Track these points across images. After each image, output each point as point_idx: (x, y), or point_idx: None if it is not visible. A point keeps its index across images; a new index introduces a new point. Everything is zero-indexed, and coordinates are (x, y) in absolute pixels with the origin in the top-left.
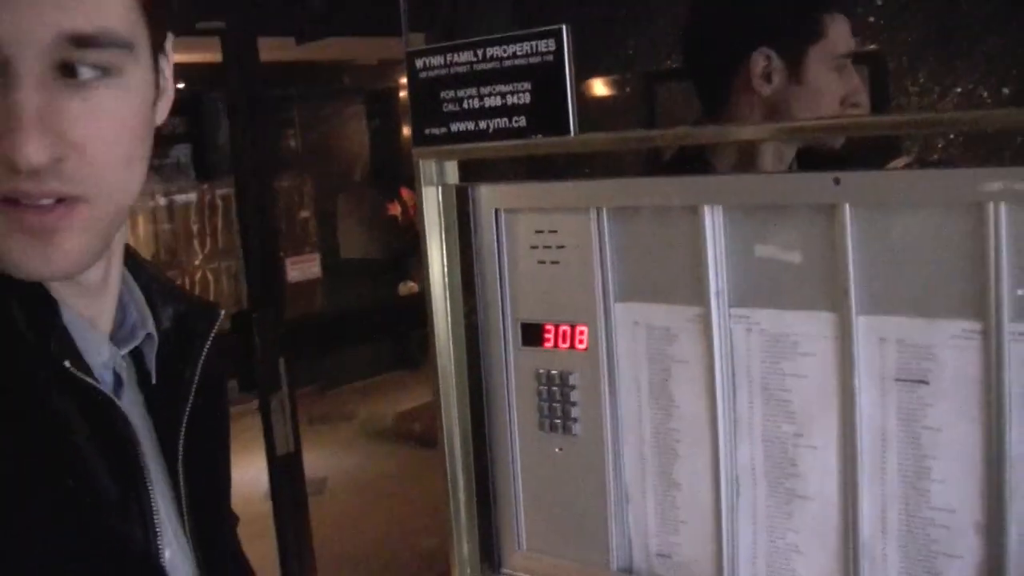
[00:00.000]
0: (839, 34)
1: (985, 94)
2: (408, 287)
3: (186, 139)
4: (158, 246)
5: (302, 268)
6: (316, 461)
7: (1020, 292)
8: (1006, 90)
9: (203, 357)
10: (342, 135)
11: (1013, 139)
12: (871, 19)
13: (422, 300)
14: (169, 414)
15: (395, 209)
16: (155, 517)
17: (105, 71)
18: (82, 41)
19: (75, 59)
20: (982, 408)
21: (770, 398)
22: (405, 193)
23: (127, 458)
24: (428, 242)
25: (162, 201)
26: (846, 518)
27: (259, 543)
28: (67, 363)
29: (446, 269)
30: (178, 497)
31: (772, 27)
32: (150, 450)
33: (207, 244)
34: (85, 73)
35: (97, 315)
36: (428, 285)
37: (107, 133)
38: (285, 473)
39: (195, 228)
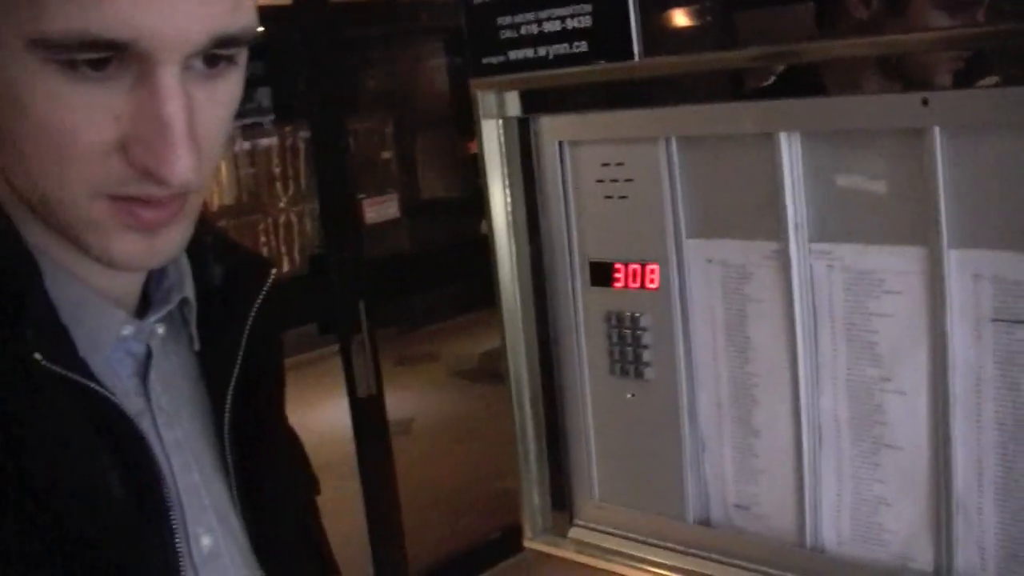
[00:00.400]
0: None
1: None
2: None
3: (265, 82)
4: (240, 191)
5: (379, 209)
6: (401, 402)
7: None
8: None
9: (251, 317)
10: (421, 74)
11: None
12: None
13: None
14: (217, 379)
15: (475, 147)
16: (171, 512)
17: (230, 60)
18: (227, 41)
19: (211, 55)
20: None
21: (854, 340)
22: None
23: (133, 451)
24: (489, 179)
25: (245, 145)
26: (938, 469)
27: (345, 484)
28: (38, 355)
29: (510, 207)
30: (226, 469)
31: None
32: (195, 424)
33: (289, 187)
34: (218, 67)
35: (127, 286)
36: (491, 224)
37: (224, 120)
38: (367, 415)
39: (277, 171)
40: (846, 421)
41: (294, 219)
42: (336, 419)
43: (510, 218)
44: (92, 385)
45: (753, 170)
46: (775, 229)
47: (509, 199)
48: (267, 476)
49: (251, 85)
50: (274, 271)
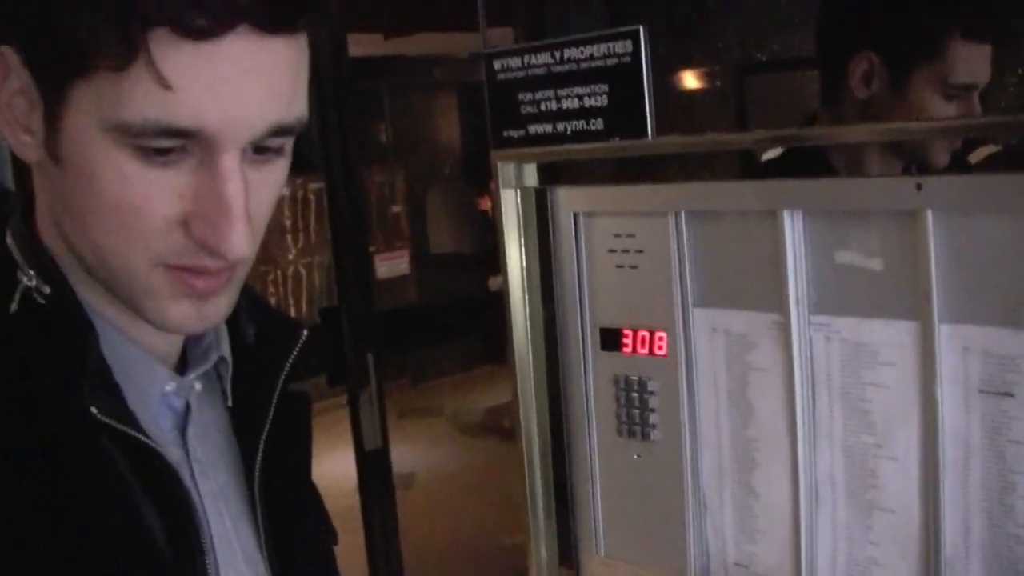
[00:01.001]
0: (962, 62)
1: None
2: (498, 281)
3: None
4: None
5: (391, 264)
6: (405, 455)
7: None
8: None
9: (283, 376)
10: (433, 129)
11: None
12: None
13: None
14: (248, 434)
15: (485, 203)
16: (206, 558)
17: (279, 149)
18: (283, 130)
19: (266, 143)
20: None
21: (850, 407)
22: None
23: (174, 500)
24: (507, 245)
25: None
26: (928, 532)
27: (348, 538)
28: (93, 409)
29: (525, 272)
30: (255, 518)
31: (884, 31)
32: (229, 475)
33: (300, 239)
34: (271, 154)
35: (170, 345)
36: (507, 287)
37: (272, 200)
38: (373, 469)
39: (288, 223)
40: (841, 484)
41: (303, 271)
42: (339, 472)
43: (525, 282)
44: (141, 437)
45: (757, 245)
46: (777, 301)
47: (525, 264)
48: (293, 526)
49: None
50: (305, 333)
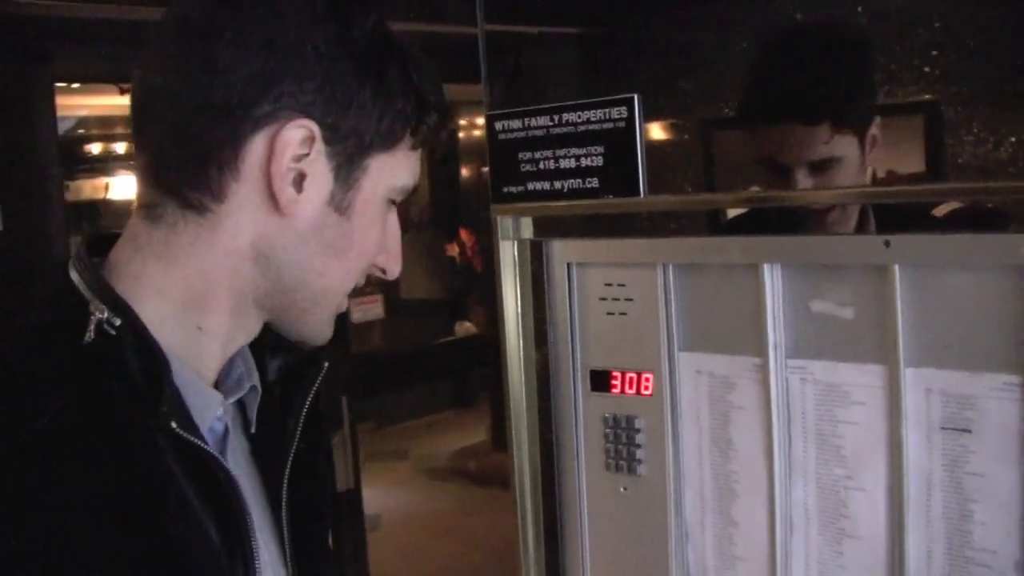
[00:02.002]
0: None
1: None
2: (465, 327)
3: None
4: None
5: (365, 309)
6: (371, 498)
7: None
8: None
9: (307, 407)
10: None
11: None
12: (926, 69)
13: (478, 340)
14: (273, 461)
15: (453, 250)
16: (256, 563)
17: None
18: None
19: None
20: (1021, 455)
21: (823, 443)
22: (464, 234)
23: (231, 509)
24: (504, 292)
25: None
26: (893, 557)
27: None
28: (174, 423)
29: (520, 317)
30: (281, 540)
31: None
32: (253, 496)
33: None
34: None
35: (213, 375)
36: (502, 333)
37: None
38: (345, 509)
39: None
40: (814, 514)
41: None
42: None
43: (520, 327)
44: (214, 452)
45: (739, 295)
46: (757, 346)
47: (520, 310)
48: (314, 546)
49: None
50: (327, 365)
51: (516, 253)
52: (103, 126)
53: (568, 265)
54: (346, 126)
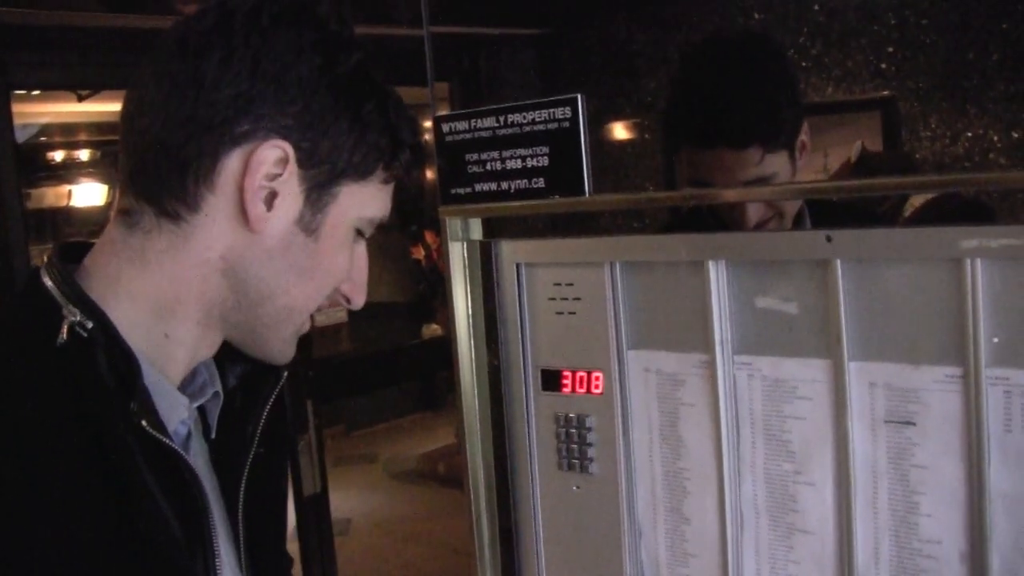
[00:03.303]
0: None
1: (995, 138)
2: (431, 329)
3: None
4: None
5: (328, 312)
6: (340, 502)
7: (995, 340)
8: (1015, 134)
9: (265, 414)
10: None
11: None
12: (883, 66)
13: (444, 343)
14: (232, 464)
15: (418, 252)
16: (216, 558)
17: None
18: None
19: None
20: (964, 447)
21: (771, 438)
22: (429, 236)
23: (194, 505)
24: (454, 293)
25: None
26: (842, 550)
27: None
28: (144, 422)
29: (471, 319)
30: (237, 540)
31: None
32: (212, 496)
33: None
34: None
35: (179, 379)
36: (454, 334)
37: None
38: (312, 513)
39: None
40: (764, 509)
41: None
42: None
43: (471, 329)
44: (179, 450)
45: (686, 292)
46: (704, 343)
47: (470, 311)
48: (267, 547)
49: None
50: (286, 375)
51: (466, 254)
52: (65, 134)
53: (517, 265)
54: (320, 152)
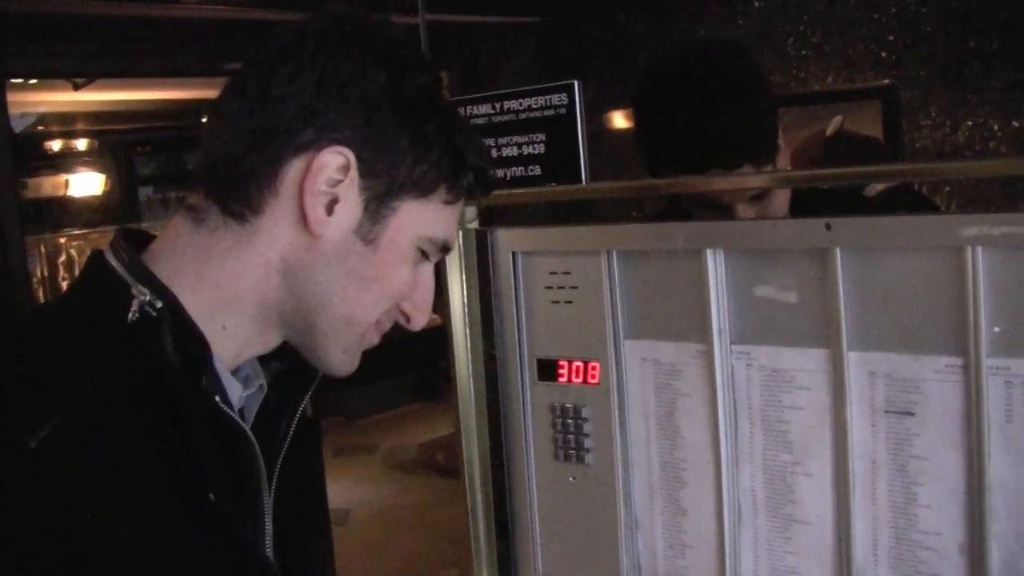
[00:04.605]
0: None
1: (996, 127)
2: (431, 319)
3: None
4: None
5: None
6: (339, 492)
7: (997, 329)
8: (1015, 123)
9: (300, 410)
10: None
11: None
12: (884, 54)
13: (443, 332)
14: (265, 455)
15: None
16: (265, 536)
17: None
18: None
19: None
20: (964, 438)
21: (769, 429)
22: None
23: (251, 483)
24: (450, 282)
25: None
26: (840, 542)
27: None
28: (217, 398)
29: (467, 308)
30: (264, 525)
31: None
32: None
33: None
34: None
35: (229, 368)
36: (449, 323)
37: None
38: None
39: None
40: (762, 500)
41: None
42: None
43: (467, 318)
44: (243, 426)
45: (683, 281)
46: (702, 332)
47: (467, 301)
48: (295, 533)
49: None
50: (320, 374)
51: (462, 243)
52: (63, 123)
53: (513, 254)
54: (380, 165)
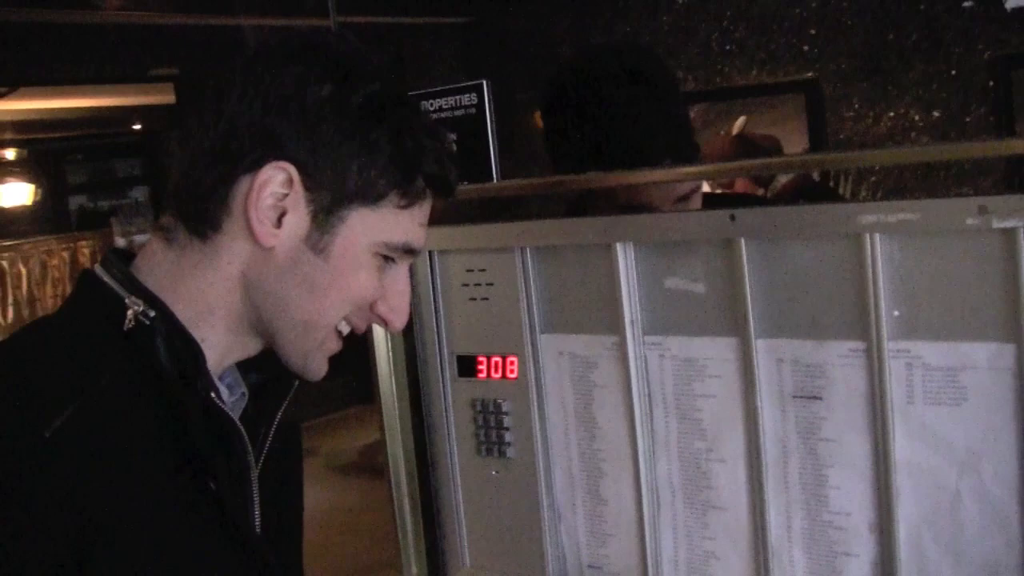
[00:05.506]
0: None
1: (917, 117)
2: None
3: (143, 181)
4: None
5: None
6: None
7: (896, 313)
8: (936, 113)
9: (278, 416)
10: None
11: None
12: (806, 48)
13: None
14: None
15: None
16: (255, 523)
17: None
18: None
19: None
20: (869, 420)
21: (683, 417)
22: None
23: (242, 469)
24: None
25: (121, 242)
26: (755, 525)
27: None
28: (213, 394)
29: None
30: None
31: None
32: None
33: None
34: None
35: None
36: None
37: None
38: None
39: None
40: (679, 487)
41: None
42: None
43: None
44: (235, 419)
45: (595, 274)
46: (615, 325)
47: None
48: (278, 532)
49: (128, 183)
50: (296, 384)
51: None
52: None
53: (430, 252)
54: (324, 177)
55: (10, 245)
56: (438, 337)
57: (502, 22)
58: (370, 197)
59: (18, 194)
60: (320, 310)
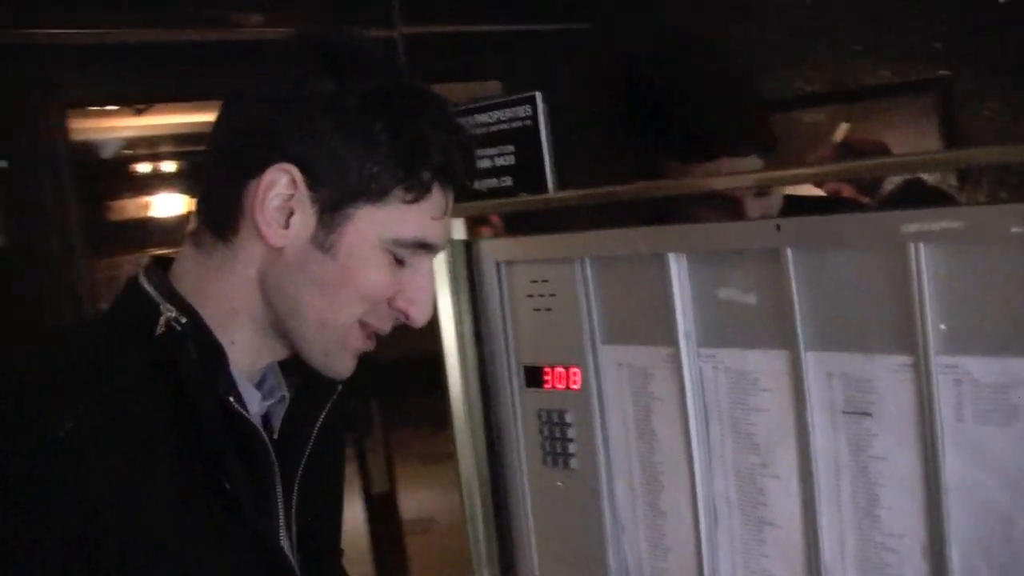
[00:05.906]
0: None
1: None
2: None
3: None
4: None
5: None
6: (421, 501)
7: (942, 327)
8: None
9: (320, 421)
10: None
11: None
12: (936, 45)
13: None
14: (288, 463)
15: None
16: (280, 528)
17: None
18: None
19: None
20: (919, 438)
21: (738, 431)
22: None
23: (265, 475)
24: (439, 294)
25: None
26: (809, 544)
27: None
28: (231, 398)
29: (456, 319)
30: (289, 527)
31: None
32: None
33: None
34: None
35: (254, 379)
36: (440, 333)
37: None
38: (380, 512)
39: None
40: (735, 502)
41: None
42: (352, 514)
43: (457, 328)
44: (254, 422)
45: (650, 285)
46: (669, 336)
47: (456, 311)
48: (317, 539)
49: None
50: (340, 387)
51: (450, 254)
52: (149, 146)
53: (497, 264)
54: (327, 175)
55: (165, 254)
56: (506, 347)
57: (622, 25)
58: (374, 193)
59: (172, 205)
60: (332, 309)
